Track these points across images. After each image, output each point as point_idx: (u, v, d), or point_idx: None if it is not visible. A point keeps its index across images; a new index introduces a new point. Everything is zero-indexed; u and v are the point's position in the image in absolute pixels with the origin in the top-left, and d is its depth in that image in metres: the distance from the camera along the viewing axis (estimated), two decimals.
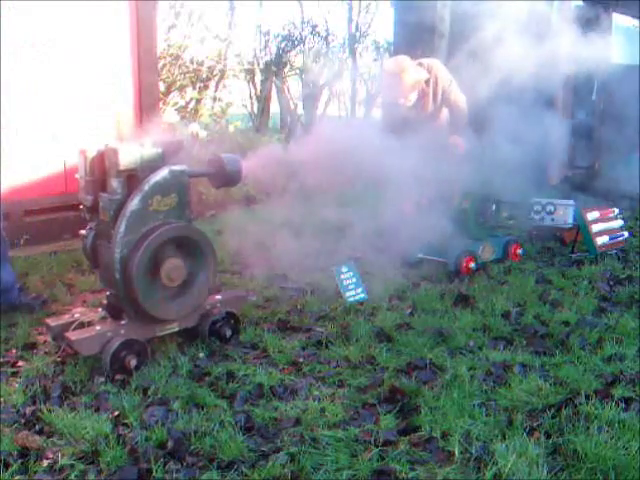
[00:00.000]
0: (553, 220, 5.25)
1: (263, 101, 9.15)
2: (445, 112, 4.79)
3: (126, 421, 2.50)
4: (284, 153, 3.71)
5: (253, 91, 9.33)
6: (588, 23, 7.26)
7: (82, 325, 3.02)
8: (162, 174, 2.94)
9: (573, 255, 4.81)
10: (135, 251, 2.85)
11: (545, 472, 2.20)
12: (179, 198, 3.01)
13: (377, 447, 2.35)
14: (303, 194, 4.37)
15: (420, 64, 4.70)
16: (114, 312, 3.06)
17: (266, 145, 4.65)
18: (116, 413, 2.56)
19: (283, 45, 9.22)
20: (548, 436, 2.44)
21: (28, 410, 2.56)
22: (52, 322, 3.09)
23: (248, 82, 9.30)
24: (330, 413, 2.58)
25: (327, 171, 3.79)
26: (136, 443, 2.34)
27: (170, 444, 2.33)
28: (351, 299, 3.85)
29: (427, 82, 4.66)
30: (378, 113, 10.49)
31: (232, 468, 2.23)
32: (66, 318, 3.13)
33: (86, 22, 4.96)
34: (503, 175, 4.44)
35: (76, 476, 2.19)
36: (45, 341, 3.22)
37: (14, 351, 3.12)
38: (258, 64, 9.17)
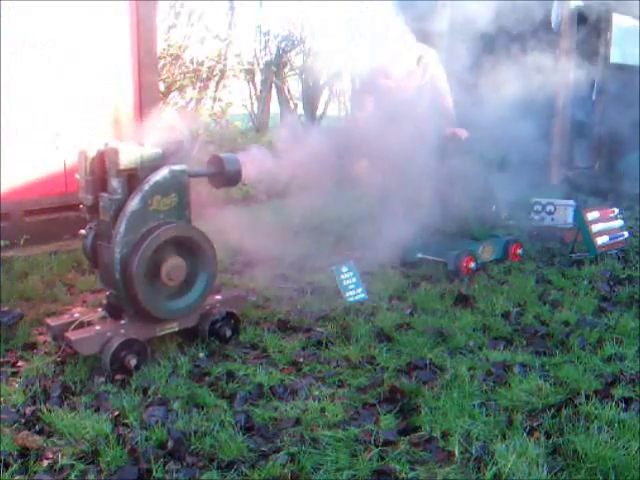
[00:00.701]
0: (553, 220, 5.25)
1: (263, 101, 9.15)
2: (427, 95, 4.76)
3: (126, 421, 2.50)
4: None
5: (253, 91, 9.32)
6: (588, 23, 7.27)
7: (82, 325, 3.02)
8: (162, 174, 2.94)
9: (573, 255, 4.81)
10: (135, 251, 2.85)
11: (545, 472, 2.20)
12: (179, 198, 3.01)
13: (377, 447, 2.35)
14: (302, 192, 4.38)
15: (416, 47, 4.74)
16: (114, 312, 3.06)
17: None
18: (116, 413, 2.55)
19: (283, 45, 9.21)
20: (548, 436, 2.44)
21: (28, 410, 2.56)
22: (52, 322, 3.09)
23: (248, 82, 9.30)
24: (330, 413, 2.58)
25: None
26: (136, 443, 2.34)
27: (170, 444, 2.33)
28: (351, 299, 3.85)
29: (418, 61, 4.68)
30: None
31: (232, 468, 2.23)
32: (66, 318, 3.12)
33: (86, 22, 4.96)
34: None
35: (76, 476, 2.19)
36: (45, 341, 3.21)
37: (14, 351, 3.12)
38: (258, 64, 9.16)
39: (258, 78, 9.22)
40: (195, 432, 2.40)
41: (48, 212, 4.94)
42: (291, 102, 9.48)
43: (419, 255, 4.59)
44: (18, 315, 3.35)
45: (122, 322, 3.00)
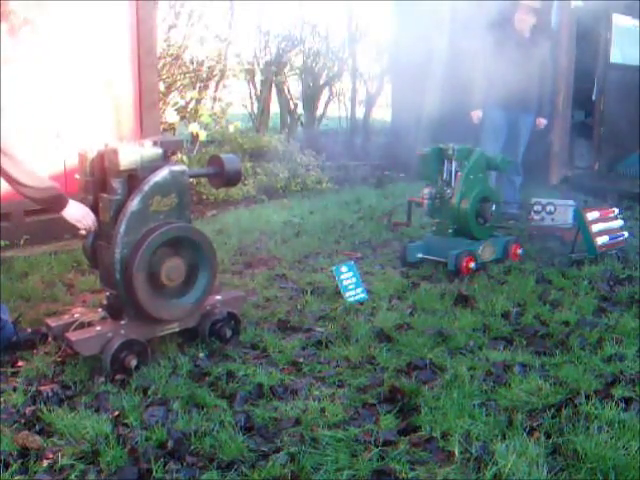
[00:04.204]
0: (553, 220, 5.24)
1: (263, 101, 9.13)
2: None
3: (126, 421, 2.50)
4: None
5: (253, 91, 9.30)
6: (588, 23, 7.26)
7: (82, 325, 3.02)
8: (162, 174, 2.94)
9: (573, 255, 4.80)
10: (135, 251, 2.85)
11: (545, 472, 2.21)
12: (179, 198, 3.01)
13: (377, 447, 2.35)
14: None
15: None
16: (114, 312, 3.06)
17: None
18: (116, 413, 2.56)
19: (283, 45, 9.19)
20: (548, 436, 2.44)
21: (28, 410, 2.57)
22: (52, 322, 3.09)
23: (248, 82, 9.27)
24: (330, 413, 2.58)
25: None
26: (136, 443, 2.34)
27: (170, 444, 2.33)
28: (351, 299, 3.85)
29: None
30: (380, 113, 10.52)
31: (232, 468, 2.23)
32: (66, 318, 3.13)
33: (86, 22, 4.95)
34: None
35: (76, 476, 2.19)
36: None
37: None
38: (258, 64, 9.14)
39: (258, 78, 9.20)
40: (195, 432, 2.40)
41: (48, 212, 4.93)
42: (291, 102, 9.45)
43: (419, 255, 4.59)
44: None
45: (122, 322, 3.00)
